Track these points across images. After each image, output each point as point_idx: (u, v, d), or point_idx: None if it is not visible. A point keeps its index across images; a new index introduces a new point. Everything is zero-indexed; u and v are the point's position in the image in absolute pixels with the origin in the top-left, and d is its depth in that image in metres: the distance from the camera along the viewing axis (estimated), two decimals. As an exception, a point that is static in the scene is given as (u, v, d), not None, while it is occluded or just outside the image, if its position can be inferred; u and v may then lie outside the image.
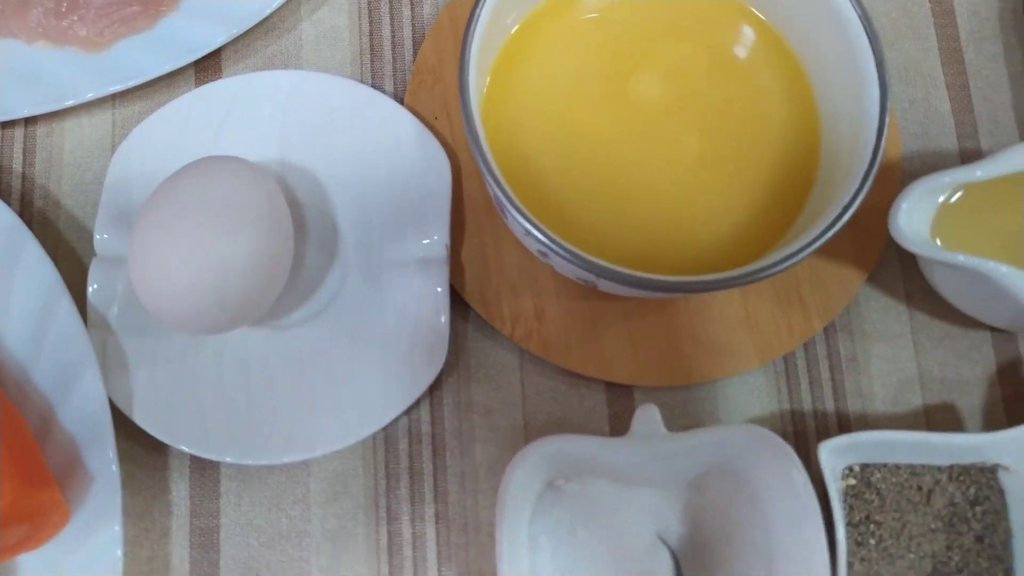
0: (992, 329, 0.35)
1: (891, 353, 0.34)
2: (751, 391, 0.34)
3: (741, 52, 0.33)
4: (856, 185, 0.28)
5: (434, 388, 0.33)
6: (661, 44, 0.33)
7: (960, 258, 0.29)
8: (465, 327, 0.34)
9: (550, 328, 0.33)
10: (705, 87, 0.33)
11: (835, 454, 0.30)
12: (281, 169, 0.34)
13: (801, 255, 0.28)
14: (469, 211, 0.34)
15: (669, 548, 0.30)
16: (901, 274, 0.35)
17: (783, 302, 0.34)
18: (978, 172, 0.30)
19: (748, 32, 0.33)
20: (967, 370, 0.34)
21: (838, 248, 0.34)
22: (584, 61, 0.33)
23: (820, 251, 0.33)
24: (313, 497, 0.32)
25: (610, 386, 0.34)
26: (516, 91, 0.33)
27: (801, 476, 0.28)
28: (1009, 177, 0.31)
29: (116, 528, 0.29)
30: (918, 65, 0.37)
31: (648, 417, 0.29)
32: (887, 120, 0.28)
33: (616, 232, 0.32)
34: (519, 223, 0.28)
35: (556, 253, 0.28)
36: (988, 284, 0.29)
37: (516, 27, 0.33)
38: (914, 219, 0.31)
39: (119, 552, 0.29)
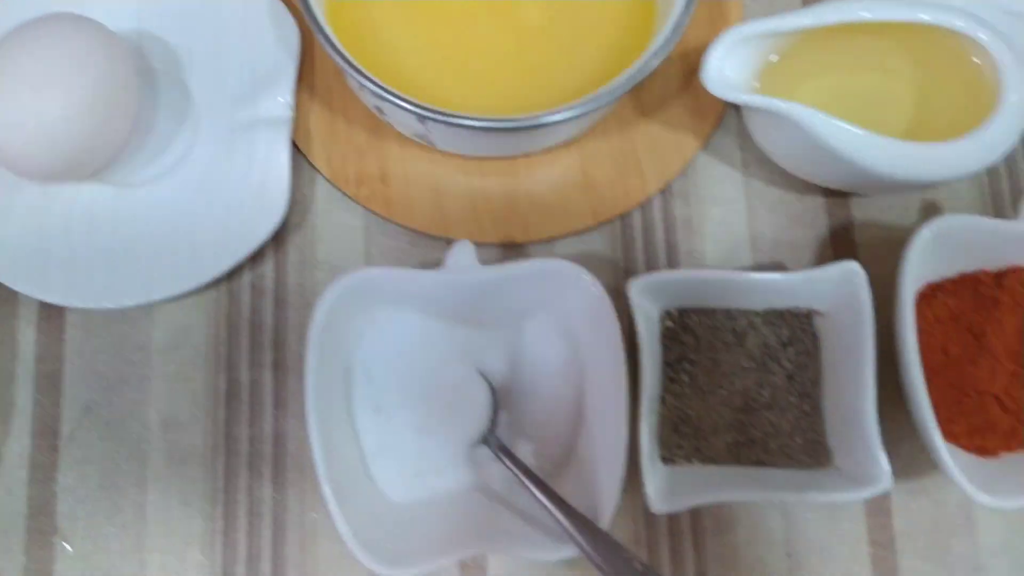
0: (827, 194, 0.36)
1: (725, 216, 0.35)
2: (589, 252, 0.35)
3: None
4: (675, 20, 0.30)
5: (279, 247, 0.35)
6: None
7: (765, 101, 0.30)
8: (313, 190, 0.35)
9: (394, 189, 0.35)
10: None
11: (648, 295, 0.31)
12: (138, 38, 0.35)
13: (615, 93, 0.29)
14: (320, 81, 0.36)
15: (488, 382, 0.31)
16: (739, 144, 0.36)
17: (620, 167, 0.35)
18: (792, 21, 0.31)
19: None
20: (799, 233, 0.35)
21: (675, 117, 0.36)
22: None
23: (659, 120, 0.35)
24: (155, 345, 0.33)
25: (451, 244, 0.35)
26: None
27: (606, 307, 0.29)
28: (836, 35, 0.32)
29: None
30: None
31: (463, 251, 0.30)
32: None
33: (463, 99, 0.33)
34: (353, 78, 0.30)
35: (387, 100, 0.29)
36: (804, 135, 0.31)
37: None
38: (736, 71, 0.32)
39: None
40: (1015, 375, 0.31)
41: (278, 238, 0.34)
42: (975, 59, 0.32)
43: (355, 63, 0.29)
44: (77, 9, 0.33)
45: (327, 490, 0.28)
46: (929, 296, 0.32)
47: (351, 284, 0.29)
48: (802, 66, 0.34)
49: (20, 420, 0.33)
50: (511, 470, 0.29)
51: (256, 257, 0.34)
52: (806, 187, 0.36)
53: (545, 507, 0.28)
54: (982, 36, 0.31)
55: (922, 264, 0.31)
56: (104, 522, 0.32)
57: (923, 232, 0.31)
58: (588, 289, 0.29)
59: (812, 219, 0.36)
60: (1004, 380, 0.31)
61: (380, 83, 0.29)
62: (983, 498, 0.28)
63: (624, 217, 0.35)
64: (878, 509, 0.33)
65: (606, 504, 0.28)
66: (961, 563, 0.33)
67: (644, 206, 0.35)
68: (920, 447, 0.30)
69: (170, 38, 0.35)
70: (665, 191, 0.36)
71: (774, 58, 0.33)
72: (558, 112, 0.29)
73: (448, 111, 0.29)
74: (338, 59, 0.29)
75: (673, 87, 0.36)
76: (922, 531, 0.33)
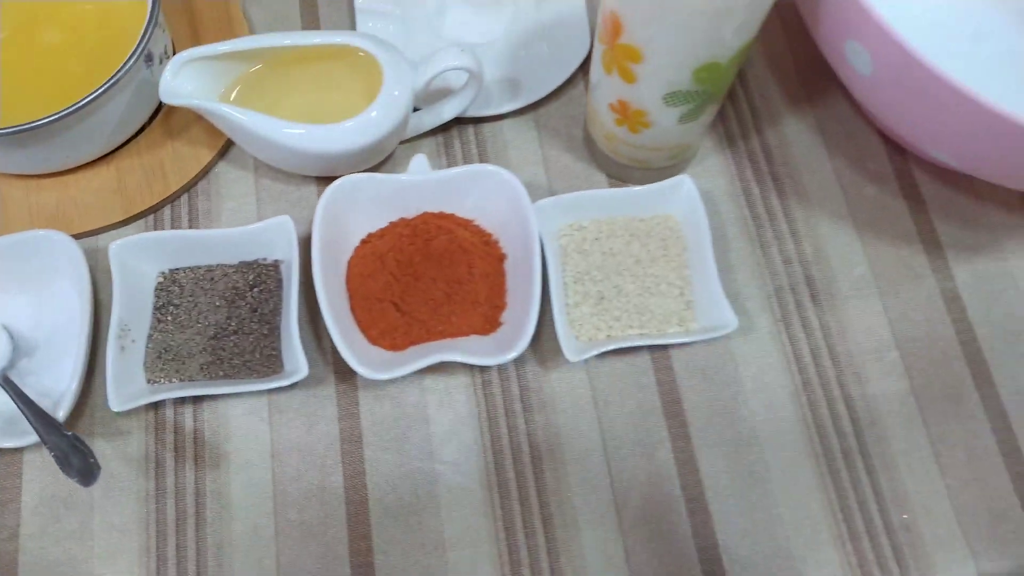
0: (319, 182, 0.46)
1: (239, 207, 0.46)
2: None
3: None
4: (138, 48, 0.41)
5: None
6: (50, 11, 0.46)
7: (199, 104, 0.40)
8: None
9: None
10: (87, 32, 0.46)
11: (141, 255, 0.41)
12: None
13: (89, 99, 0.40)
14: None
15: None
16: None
17: (149, 174, 0.45)
18: (226, 46, 0.42)
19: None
20: (292, 210, 0.46)
21: (195, 136, 0.46)
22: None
23: (182, 138, 0.45)
24: None
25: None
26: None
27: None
28: (300, 60, 0.43)
29: None
30: None
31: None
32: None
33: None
34: None
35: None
36: (233, 128, 0.41)
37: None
38: (198, 84, 0.42)
39: None
40: (407, 286, 0.41)
41: None
42: (370, 67, 0.43)
43: None
44: None
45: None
46: (365, 242, 0.42)
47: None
48: (281, 86, 0.45)
49: None
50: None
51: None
52: (302, 180, 0.46)
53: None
54: (371, 49, 0.42)
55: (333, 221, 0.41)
56: None
57: (322, 200, 0.41)
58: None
59: (307, 202, 0.46)
60: (399, 290, 0.40)
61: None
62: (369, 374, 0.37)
63: (156, 212, 0.45)
64: (348, 414, 0.42)
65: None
66: (417, 449, 0.41)
67: (173, 203, 0.46)
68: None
69: None
70: (191, 192, 0.46)
71: (261, 69, 0.44)
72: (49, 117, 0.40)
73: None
74: None
75: (193, 115, 0.47)
76: (384, 427, 0.41)
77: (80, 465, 0.35)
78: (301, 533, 0.39)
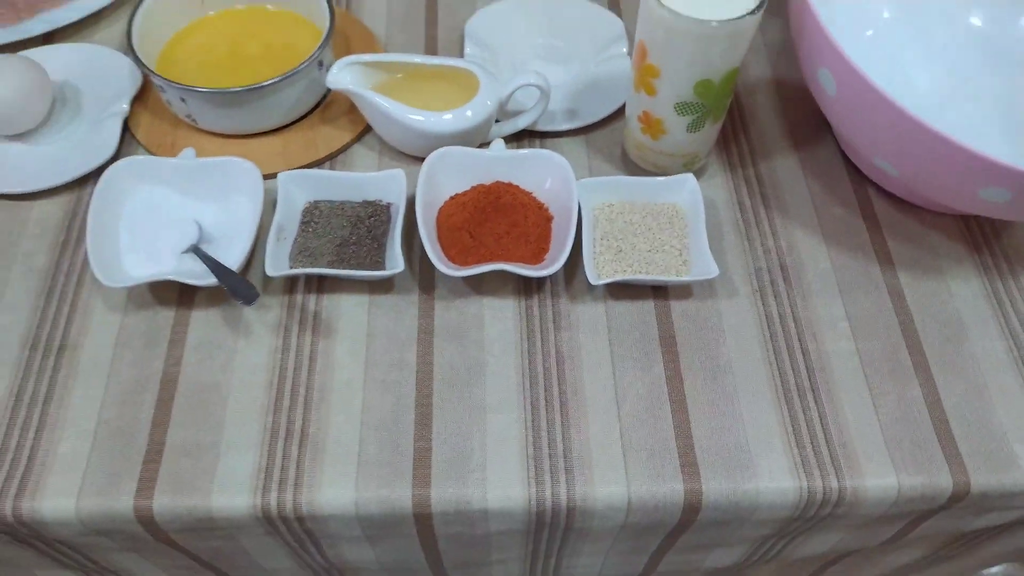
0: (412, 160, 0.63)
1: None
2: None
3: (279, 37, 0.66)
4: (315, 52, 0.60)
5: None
6: (252, 30, 0.67)
7: (353, 90, 0.59)
8: (134, 150, 0.63)
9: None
10: (277, 47, 0.65)
11: (294, 186, 0.58)
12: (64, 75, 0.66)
13: (281, 80, 0.58)
14: (153, 98, 0.65)
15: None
16: (379, 138, 0.65)
17: (305, 145, 0.63)
18: (372, 57, 0.61)
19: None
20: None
21: (341, 124, 0.64)
22: (214, 32, 0.66)
23: (332, 124, 0.63)
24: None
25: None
26: (189, 40, 0.65)
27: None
28: (422, 71, 0.62)
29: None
30: None
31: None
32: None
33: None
34: (152, 80, 0.59)
35: (160, 84, 0.59)
36: (375, 111, 0.59)
37: (181, 26, 0.67)
38: (355, 79, 0.61)
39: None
40: (479, 223, 0.56)
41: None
42: (471, 83, 0.61)
43: (150, 69, 0.59)
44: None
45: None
46: (452, 198, 0.59)
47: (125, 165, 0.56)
48: (409, 91, 0.63)
49: None
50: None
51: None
52: (411, 160, 0.63)
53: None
54: (473, 70, 0.61)
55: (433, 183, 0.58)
56: None
57: (427, 161, 0.58)
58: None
59: (412, 177, 0.63)
60: (472, 224, 0.56)
61: (156, 72, 0.59)
62: (447, 271, 0.53)
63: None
64: (425, 315, 0.56)
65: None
66: (473, 343, 0.55)
67: (319, 168, 0.63)
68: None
69: (74, 81, 0.66)
70: (333, 161, 0.63)
71: (398, 77, 0.62)
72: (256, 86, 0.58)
73: (190, 85, 0.58)
74: (144, 70, 0.59)
75: (344, 108, 0.65)
76: (451, 326, 0.56)
77: (245, 293, 0.50)
78: (382, 388, 0.53)
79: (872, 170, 0.62)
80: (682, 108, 0.55)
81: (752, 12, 0.50)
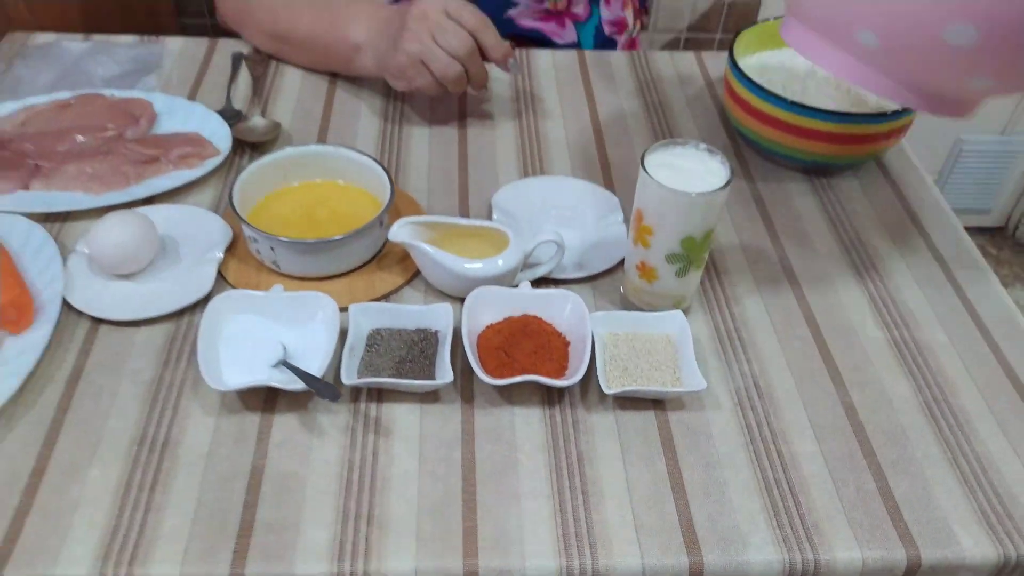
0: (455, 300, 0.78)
1: (413, 309, 0.77)
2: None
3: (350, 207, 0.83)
4: (382, 210, 0.76)
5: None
6: (324, 199, 0.83)
7: (409, 242, 0.74)
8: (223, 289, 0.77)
9: (261, 291, 0.77)
10: (343, 212, 0.82)
11: (359, 318, 0.71)
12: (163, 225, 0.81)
13: (353, 234, 0.74)
14: (241, 248, 0.80)
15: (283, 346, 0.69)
16: (425, 281, 0.79)
17: (365, 286, 0.77)
18: (422, 218, 0.77)
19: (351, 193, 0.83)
20: (447, 317, 0.76)
21: (394, 270, 0.79)
22: (294, 199, 0.82)
23: (388, 271, 0.78)
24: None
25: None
26: (272, 205, 0.81)
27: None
28: (460, 230, 0.78)
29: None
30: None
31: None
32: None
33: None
34: (244, 229, 0.74)
35: (253, 235, 0.74)
36: (426, 260, 0.74)
37: (267, 192, 0.83)
38: (409, 233, 0.76)
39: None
40: (512, 345, 0.70)
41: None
42: (501, 240, 0.77)
43: (247, 222, 0.74)
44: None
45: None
46: (489, 326, 0.72)
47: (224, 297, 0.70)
48: (451, 244, 0.78)
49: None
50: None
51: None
52: (451, 300, 0.78)
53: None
54: (503, 229, 0.77)
55: (477, 315, 0.72)
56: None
57: (470, 296, 0.72)
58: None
59: (455, 312, 0.77)
60: (507, 346, 0.70)
61: (252, 225, 0.74)
62: (486, 379, 0.65)
63: (365, 307, 0.77)
64: (467, 420, 0.68)
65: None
66: (506, 442, 0.67)
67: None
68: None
69: (165, 231, 0.81)
70: (387, 299, 0.78)
71: (443, 234, 0.78)
72: (330, 239, 0.73)
73: (276, 235, 0.73)
74: (242, 223, 0.74)
75: (397, 259, 0.80)
76: (487, 429, 0.67)
77: (330, 392, 0.62)
78: (433, 478, 0.64)
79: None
80: (671, 258, 0.71)
81: (722, 187, 0.67)
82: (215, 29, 1.88)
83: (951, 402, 0.72)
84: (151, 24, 1.63)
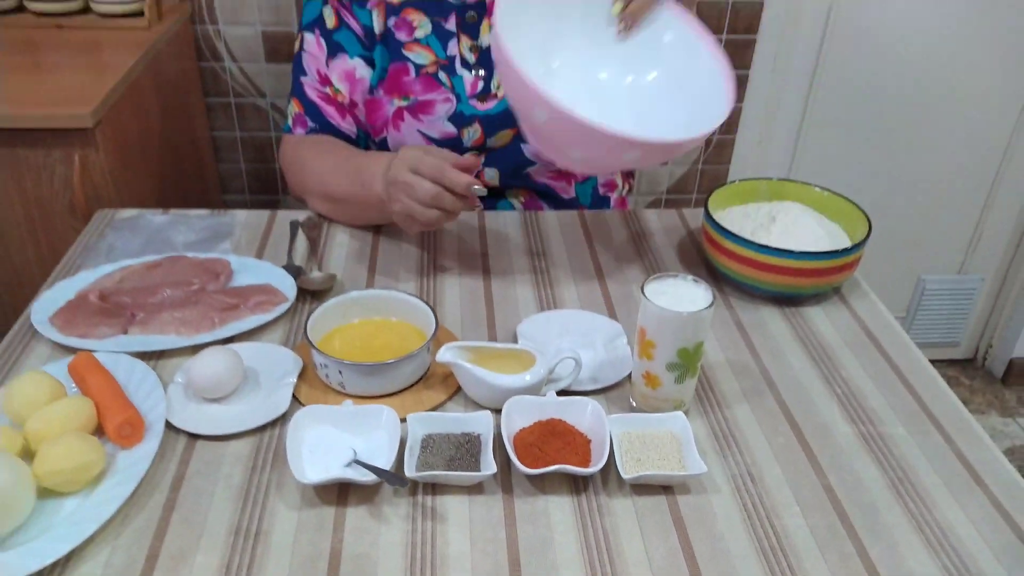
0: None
1: (456, 419, 0.91)
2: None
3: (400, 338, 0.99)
4: (427, 340, 0.92)
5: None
6: (378, 332, 1.00)
7: (451, 362, 0.90)
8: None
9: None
10: (396, 341, 0.98)
11: (415, 426, 0.85)
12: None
13: (406, 358, 0.90)
14: (309, 374, 0.95)
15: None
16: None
17: (415, 402, 0.92)
18: (464, 343, 0.93)
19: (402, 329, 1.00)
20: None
21: (438, 388, 0.95)
22: (354, 333, 0.99)
23: (433, 389, 0.94)
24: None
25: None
26: (336, 338, 0.97)
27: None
28: (493, 352, 0.94)
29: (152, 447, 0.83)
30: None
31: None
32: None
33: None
34: (319, 361, 0.90)
35: (324, 366, 0.90)
36: (466, 376, 0.90)
37: (331, 328, 1.00)
38: (452, 354, 0.92)
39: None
40: (544, 441, 0.84)
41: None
42: (528, 359, 0.93)
43: (319, 350, 0.90)
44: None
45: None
46: (522, 428, 0.87)
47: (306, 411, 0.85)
48: (486, 362, 0.94)
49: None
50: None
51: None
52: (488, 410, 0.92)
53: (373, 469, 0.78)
54: (531, 350, 0.93)
55: (514, 416, 0.87)
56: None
57: (507, 404, 0.87)
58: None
59: (495, 419, 0.91)
60: (539, 442, 0.84)
61: (324, 352, 0.90)
62: (522, 469, 0.79)
63: (416, 419, 0.91)
64: (508, 507, 0.81)
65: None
66: (543, 525, 0.79)
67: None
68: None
69: (248, 364, 0.96)
70: (435, 409, 0.92)
71: (478, 356, 0.94)
72: (389, 362, 0.89)
73: (343, 360, 0.89)
74: (315, 350, 0.90)
75: (440, 379, 0.95)
76: (526, 513, 0.80)
77: (399, 481, 0.76)
78: (483, 555, 0.76)
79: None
80: (671, 367, 0.87)
81: (707, 307, 0.85)
82: (252, 203, 2.13)
83: (912, 480, 0.86)
84: (202, 200, 1.87)
